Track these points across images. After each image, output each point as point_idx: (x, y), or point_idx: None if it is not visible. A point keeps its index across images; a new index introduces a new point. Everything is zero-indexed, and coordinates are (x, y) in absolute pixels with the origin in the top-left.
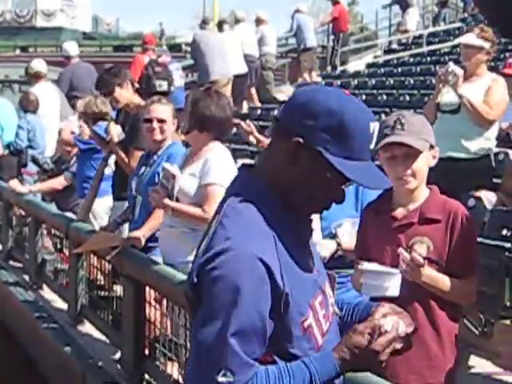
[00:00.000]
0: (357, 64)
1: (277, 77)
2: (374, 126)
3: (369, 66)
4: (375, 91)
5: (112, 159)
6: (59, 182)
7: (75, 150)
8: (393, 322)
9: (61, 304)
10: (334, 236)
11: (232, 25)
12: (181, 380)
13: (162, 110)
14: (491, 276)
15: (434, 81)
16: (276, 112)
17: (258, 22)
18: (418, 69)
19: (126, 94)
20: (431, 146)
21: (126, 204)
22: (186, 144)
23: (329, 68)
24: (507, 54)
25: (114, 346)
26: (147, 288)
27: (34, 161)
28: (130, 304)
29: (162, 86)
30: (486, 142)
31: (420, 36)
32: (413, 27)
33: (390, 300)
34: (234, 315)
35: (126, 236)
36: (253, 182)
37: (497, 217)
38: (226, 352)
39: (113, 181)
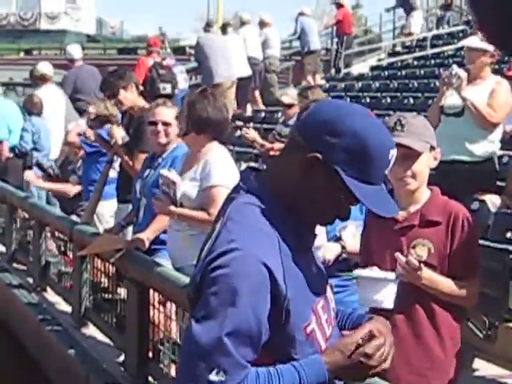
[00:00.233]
0: (361, 67)
1: (280, 80)
2: (393, 153)
3: (373, 68)
4: (379, 94)
5: (117, 162)
6: (70, 190)
7: (81, 152)
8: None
9: (65, 306)
10: (338, 239)
11: (236, 27)
12: None
13: (167, 112)
14: (495, 279)
15: (437, 83)
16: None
17: (262, 24)
18: (422, 71)
19: (130, 97)
20: (432, 148)
21: (131, 207)
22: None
23: (333, 71)
24: None
25: (117, 349)
26: (151, 291)
27: (39, 165)
28: (134, 306)
29: (166, 88)
30: (489, 145)
31: (424, 39)
32: (417, 30)
33: (394, 303)
34: (231, 316)
35: (129, 239)
36: (258, 186)
37: (501, 220)
38: (220, 351)
39: (117, 183)
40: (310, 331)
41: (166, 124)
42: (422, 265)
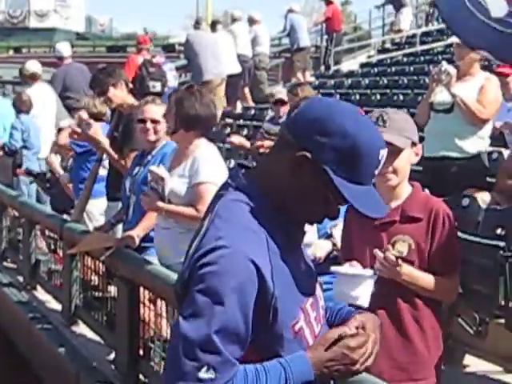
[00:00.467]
0: (350, 64)
1: (270, 77)
2: (383, 153)
3: (362, 65)
4: (369, 91)
5: (106, 160)
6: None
7: (72, 152)
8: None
9: (55, 305)
10: (329, 236)
11: (226, 25)
12: None
13: (156, 110)
14: (486, 275)
15: (427, 80)
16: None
17: (252, 22)
18: (412, 68)
19: (119, 94)
20: (413, 144)
21: (120, 204)
22: None
23: (322, 68)
24: None
25: (108, 347)
26: (141, 288)
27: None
28: (124, 304)
29: (156, 86)
30: (479, 141)
31: (413, 35)
32: (406, 27)
33: (375, 298)
34: (219, 313)
35: (119, 236)
36: (247, 183)
37: (491, 216)
38: (210, 349)
39: (107, 181)
40: (298, 329)
41: (154, 121)
42: (400, 261)
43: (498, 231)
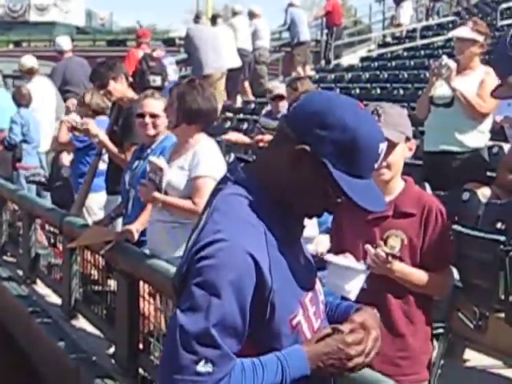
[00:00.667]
0: (350, 58)
1: (270, 71)
2: (383, 147)
3: (362, 59)
4: (369, 85)
5: (106, 154)
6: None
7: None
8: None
9: (55, 299)
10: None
11: (226, 19)
12: None
13: (155, 104)
14: (486, 269)
15: (427, 74)
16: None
17: (252, 15)
18: (412, 62)
19: (119, 88)
20: (407, 139)
21: (120, 198)
22: None
23: (323, 62)
24: None
25: (107, 341)
26: (141, 282)
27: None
28: (124, 298)
29: (156, 81)
30: (479, 136)
31: (414, 30)
32: (406, 21)
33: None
34: (217, 307)
35: (119, 230)
36: (246, 177)
37: (491, 210)
38: (208, 342)
39: (106, 175)
40: (295, 324)
41: (153, 116)
42: (390, 257)
43: (498, 225)
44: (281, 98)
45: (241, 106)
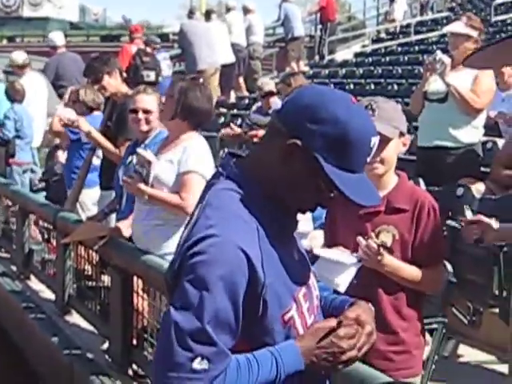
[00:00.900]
0: (345, 53)
1: (264, 66)
2: (375, 141)
3: (356, 55)
4: (363, 80)
5: (100, 149)
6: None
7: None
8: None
9: (48, 294)
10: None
11: (220, 14)
12: None
13: (148, 100)
14: (480, 265)
15: (421, 70)
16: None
17: (246, 11)
18: (406, 58)
19: (114, 83)
20: (402, 134)
21: (114, 194)
22: None
23: (316, 57)
24: None
25: (101, 336)
26: (135, 278)
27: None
28: (118, 294)
29: (150, 76)
30: (473, 131)
31: (408, 25)
32: (400, 16)
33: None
34: (209, 303)
35: (113, 226)
36: (238, 172)
37: (485, 205)
38: (203, 339)
39: (100, 170)
40: (287, 319)
41: (146, 111)
42: (382, 249)
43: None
44: (271, 94)
45: (234, 101)
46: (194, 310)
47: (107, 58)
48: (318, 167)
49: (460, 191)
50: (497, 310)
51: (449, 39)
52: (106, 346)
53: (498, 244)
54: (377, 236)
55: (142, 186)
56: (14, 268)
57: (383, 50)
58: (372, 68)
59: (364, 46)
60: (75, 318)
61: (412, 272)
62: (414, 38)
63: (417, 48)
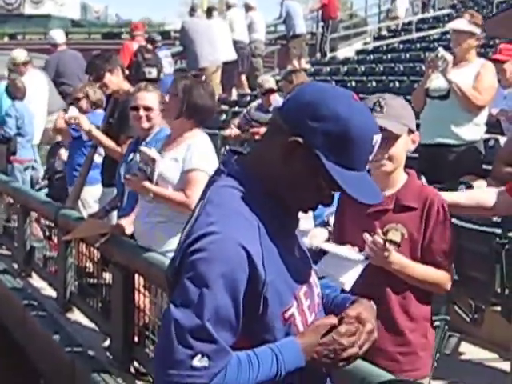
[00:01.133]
0: (346, 51)
1: (266, 64)
2: (377, 139)
3: (358, 52)
4: (365, 78)
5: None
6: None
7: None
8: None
9: (50, 291)
10: (326, 224)
11: (221, 11)
12: None
13: (148, 97)
14: (482, 262)
15: (423, 67)
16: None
17: (247, 8)
18: (408, 55)
19: (115, 80)
20: (411, 131)
21: (115, 191)
22: None
23: (318, 55)
24: (497, 41)
25: (103, 334)
26: (136, 275)
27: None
28: (119, 291)
29: (152, 73)
30: (475, 128)
31: (409, 23)
32: (402, 14)
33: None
34: (209, 301)
35: (114, 223)
36: (239, 169)
37: None
38: (204, 337)
39: (102, 168)
40: (288, 316)
41: (147, 109)
42: (388, 245)
43: (494, 218)
44: (271, 91)
45: (236, 98)
46: (194, 308)
47: (109, 56)
48: (319, 165)
49: (462, 189)
50: (499, 308)
51: (451, 36)
52: (107, 343)
53: (500, 241)
54: (385, 234)
55: (146, 184)
56: (15, 265)
57: (385, 48)
58: (374, 65)
59: (366, 44)
60: (76, 316)
61: (421, 271)
62: (415, 35)
63: (418, 45)
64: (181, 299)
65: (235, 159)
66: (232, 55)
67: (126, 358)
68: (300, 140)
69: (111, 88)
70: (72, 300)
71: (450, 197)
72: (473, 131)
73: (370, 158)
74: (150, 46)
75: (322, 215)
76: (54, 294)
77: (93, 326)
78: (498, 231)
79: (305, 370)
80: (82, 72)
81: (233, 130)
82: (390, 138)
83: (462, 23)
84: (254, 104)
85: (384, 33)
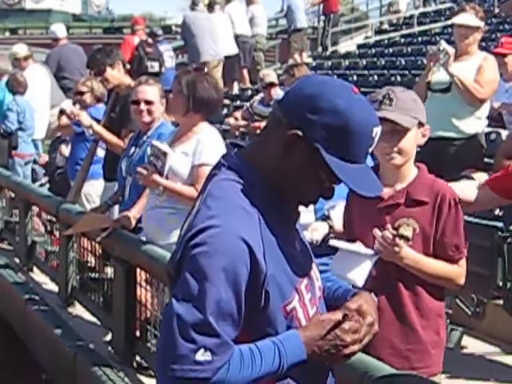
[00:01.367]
0: (348, 45)
1: (267, 58)
2: (377, 131)
3: (360, 46)
4: (366, 72)
5: None
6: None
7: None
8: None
9: (51, 286)
10: (326, 218)
11: (222, 6)
12: None
13: (149, 91)
14: (484, 256)
15: (424, 61)
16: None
17: (249, 2)
18: (409, 49)
19: (116, 75)
20: (421, 124)
21: (117, 185)
22: (177, 124)
23: (319, 49)
24: (498, 34)
25: (105, 328)
26: (138, 269)
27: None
28: (121, 286)
29: (154, 67)
30: (477, 122)
31: (411, 16)
32: (403, 8)
33: (376, 283)
34: (211, 294)
35: (116, 217)
36: (239, 163)
37: None
38: (206, 331)
39: (104, 162)
40: (290, 310)
41: (148, 103)
42: (399, 240)
43: (496, 212)
44: (272, 85)
45: (237, 93)
46: (196, 302)
47: (109, 50)
48: (318, 158)
49: None
50: (501, 302)
51: (456, 30)
52: (109, 337)
53: (502, 235)
54: (397, 229)
55: (157, 177)
56: (17, 260)
57: (386, 42)
58: (375, 59)
59: (367, 38)
60: (78, 310)
61: (433, 265)
62: (417, 29)
63: (420, 39)
64: (182, 293)
65: (235, 152)
66: (233, 49)
67: (128, 352)
68: (299, 133)
69: (112, 82)
70: (73, 294)
71: None
72: (474, 124)
73: (370, 150)
74: (150, 40)
75: (322, 209)
76: (55, 288)
77: (94, 320)
78: (500, 225)
79: (307, 363)
80: (83, 66)
81: (234, 120)
82: (399, 132)
83: (469, 18)
84: (257, 98)
85: (385, 27)
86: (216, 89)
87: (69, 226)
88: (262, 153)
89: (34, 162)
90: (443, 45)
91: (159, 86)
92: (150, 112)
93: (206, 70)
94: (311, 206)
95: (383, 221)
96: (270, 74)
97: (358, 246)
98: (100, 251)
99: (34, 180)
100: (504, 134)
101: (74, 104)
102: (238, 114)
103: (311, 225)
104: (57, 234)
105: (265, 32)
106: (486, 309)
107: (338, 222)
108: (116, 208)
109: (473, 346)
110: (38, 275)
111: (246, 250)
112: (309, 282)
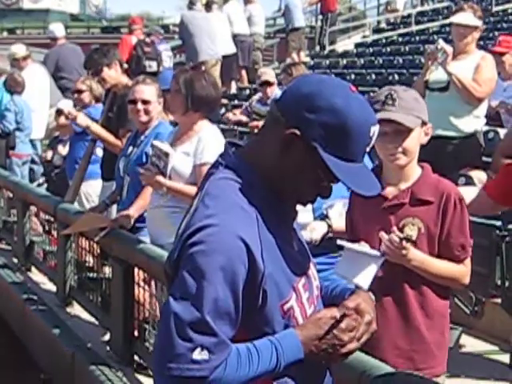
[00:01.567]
0: (345, 44)
1: (265, 57)
2: (375, 130)
3: (357, 45)
4: (364, 71)
5: None
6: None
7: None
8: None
9: (49, 286)
10: (325, 217)
11: (220, 5)
12: None
13: (146, 90)
14: (482, 255)
15: (422, 60)
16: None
17: (247, 1)
18: (407, 48)
19: (114, 75)
20: (423, 123)
21: (115, 185)
22: (175, 123)
23: (317, 48)
24: (496, 33)
25: (103, 328)
26: (136, 269)
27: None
28: (119, 285)
29: (152, 66)
30: (475, 120)
31: (408, 15)
32: (401, 7)
33: (381, 284)
34: (209, 293)
35: (114, 217)
36: (237, 161)
37: None
38: (204, 330)
39: (102, 161)
40: (287, 309)
41: (145, 102)
42: (404, 242)
43: None
44: (269, 84)
45: (235, 92)
46: (193, 300)
47: (106, 50)
48: (316, 157)
49: (462, 181)
50: (499, 301)
51: (455, 29)
52: (107, 337)
53: (500, 234)
54: (401, 229)
55: (160, 178)
56: (15, 260)
57: (384, 41)
58: (373, 58)
59: (365, 37)
60: (76, 310)
61: (438, 265)
62: (414, 28)
63: (417, 38)
64: (180, 292)
65: (233, 151)
66: (231, 49)
67: (126, 351)
68: (297, 132)
69: (109, 82)
70: (72, 294)
71: None
72: (472, 123)
73: (368, 149)
74: (148, 40)
75: (320, 208)
76: (53, 288)
77: (93, 320)
78: (498, 224)
79: (304, 362)
80: (80, 66)
81: (232, 114)
82: (403, 132)
83: (467, 17)
84: (256, 97)
85: (383, 26)
86: (214, 86)
87: (67, 225)
88: (259, 152)
89: (32, 161)
90: (441, 44)
91: (156, 85)
92: (147, 111)
93: (202, 68)
94: (309, 205)
95: (388, 221)
96: (266, 72)
97: (364, 247)
98: (98, 251)
99: (31, 180)
100: (502, 132)
101: (75, 106)
102: (238, 111)
103: (310, 224)
104: (55, 233)
105: (263, 31)
106: (484, 308)
107: (336, 221)
108: (114, 207)
109: (471, 344)
110: (36, 275)
111: (243, 248)
112: (306, 281)
